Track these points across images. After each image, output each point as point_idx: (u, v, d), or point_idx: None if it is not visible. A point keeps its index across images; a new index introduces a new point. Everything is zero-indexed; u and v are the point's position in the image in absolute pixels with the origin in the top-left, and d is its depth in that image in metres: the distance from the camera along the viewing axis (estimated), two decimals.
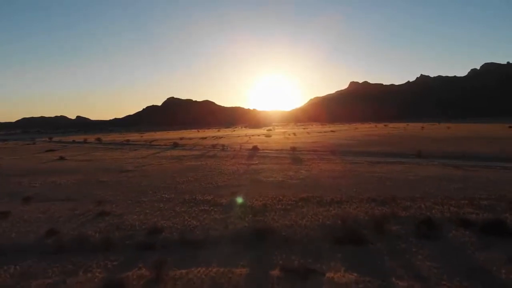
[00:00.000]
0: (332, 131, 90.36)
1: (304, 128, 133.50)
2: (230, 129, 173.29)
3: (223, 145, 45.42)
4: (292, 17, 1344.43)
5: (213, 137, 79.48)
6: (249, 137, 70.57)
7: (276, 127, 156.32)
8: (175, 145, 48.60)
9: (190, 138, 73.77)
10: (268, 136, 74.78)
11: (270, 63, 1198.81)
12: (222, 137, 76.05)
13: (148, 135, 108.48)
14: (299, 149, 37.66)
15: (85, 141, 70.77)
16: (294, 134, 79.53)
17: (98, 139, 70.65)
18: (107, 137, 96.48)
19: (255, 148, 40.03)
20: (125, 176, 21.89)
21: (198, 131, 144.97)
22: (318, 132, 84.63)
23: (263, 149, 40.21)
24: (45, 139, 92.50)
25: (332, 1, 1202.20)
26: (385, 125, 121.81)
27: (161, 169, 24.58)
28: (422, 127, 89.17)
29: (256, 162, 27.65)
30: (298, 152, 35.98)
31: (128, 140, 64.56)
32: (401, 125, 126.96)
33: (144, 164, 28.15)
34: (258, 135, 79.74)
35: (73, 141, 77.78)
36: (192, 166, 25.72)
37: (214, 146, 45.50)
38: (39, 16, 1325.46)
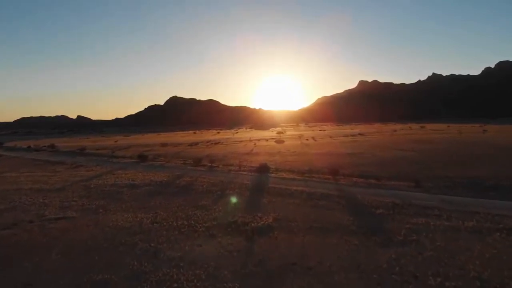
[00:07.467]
0: (360, 134, 74.55)
1: (320, 130, 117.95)
2: (232, 130, 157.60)
3: (212, 162, 30.27)
4: (298, 16, 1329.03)
5: (208, 142, 64.39)
6: (255, 144, 55.31)
7: (286, 129, 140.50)
8: (141, 160, 33.54)
9: (176, 144, 58.59)
10: (279, 141, 59.30)
11: (276, 62, 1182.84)
12: (219, 143, 60.92)
13: (131, 139, 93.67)
14: (341, 172, 22.38)
15: (36, 149, 56.37)
16: (313, 138, 64.09)
17: (52, 146, 56.03)
18: (77, 142, 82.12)
19: (263, 168, 24.95)
20: None
21: (195, 133, 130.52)
22: (344, 136, 68.68)
23: (277, 170, 25.05)
24: None
25: (339, 0, 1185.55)
26: (421, 127, 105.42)
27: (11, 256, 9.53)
28: (484, 130, 72.95)
29: (270, 218, 12.50)
30: (344, 180, 20.71)
31: (83, 149, 49.35)
32: (440, 126, 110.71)
33: (17, 221, 13.16)
34: (266, 140, 64.28)
35: (29, 147, 63.61)
36: (108, 244, 10.64)
37: (199, 161, 30.42)
38: (39, 15, 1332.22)
